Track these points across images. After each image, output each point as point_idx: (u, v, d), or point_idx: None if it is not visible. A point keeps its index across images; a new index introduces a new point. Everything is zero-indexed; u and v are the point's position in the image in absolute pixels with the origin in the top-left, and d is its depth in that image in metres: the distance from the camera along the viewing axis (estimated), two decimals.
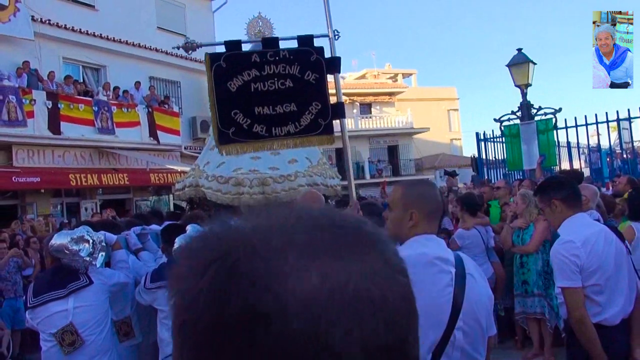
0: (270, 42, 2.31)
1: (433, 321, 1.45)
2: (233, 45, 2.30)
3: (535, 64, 7.78)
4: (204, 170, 4.53)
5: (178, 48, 2.62)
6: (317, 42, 2.39)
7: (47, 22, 11.48)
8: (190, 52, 2.58)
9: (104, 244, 2.45)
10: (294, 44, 2.39)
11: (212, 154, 4.68)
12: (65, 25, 11.79)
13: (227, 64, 2.26)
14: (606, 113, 7.72)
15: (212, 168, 4.47)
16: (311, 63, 2.25)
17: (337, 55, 2.34)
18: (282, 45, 2.36)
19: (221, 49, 2.38)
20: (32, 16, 11.09)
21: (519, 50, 7.91)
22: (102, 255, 2.38)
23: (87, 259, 2.26)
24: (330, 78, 2.38)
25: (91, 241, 2.31)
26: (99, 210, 11.04)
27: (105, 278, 2.41)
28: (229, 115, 2.24)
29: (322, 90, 2.26)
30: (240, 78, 2.26)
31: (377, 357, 0.32)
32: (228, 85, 2.25)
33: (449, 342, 1.47)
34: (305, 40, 2.32)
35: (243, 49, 2.38)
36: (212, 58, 2.29)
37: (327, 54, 2.33)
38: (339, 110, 2.31)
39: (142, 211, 9.60)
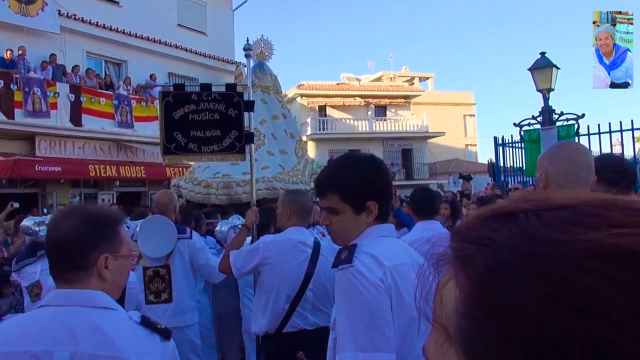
0: (205, 87, 3.26)
1: (291, 283, 2.22)
2: (179, 87, 3.29)
3: (558, 68, 7.52)
4: (194, 172, 5.27)
5: (140, 87, 3.54)
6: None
7: (73, 16, 11.74)
8: (148, 90, 3.46)
9: None
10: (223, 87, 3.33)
11: None
12: (89, 20, 12.05)
13: (174, 99, 3.15)
14: (632, 121, 7.44)
15: (200, 171, 5.20)
16: (233, 103, 3.16)
17: (252, 99, 3.30)
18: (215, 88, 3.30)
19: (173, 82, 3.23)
20: (59, 11, 11.36)
21: (542, 54, 7.65)
22: None
23: None
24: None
25: None
26: (115, 202, 11.22)
27: None
28: (171, 135, 3.12)
29: (239, 123, 3.17)
30: (182, 110, 3.12)
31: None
32: (173, 114, 3.12)
33: (303, 298, 2.22)
34: (231, 87, 3.28)
35: (186, 89, 3.34)
36: (164, 94, 3.21)
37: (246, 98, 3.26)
38: (249, 138, 3.21)
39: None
